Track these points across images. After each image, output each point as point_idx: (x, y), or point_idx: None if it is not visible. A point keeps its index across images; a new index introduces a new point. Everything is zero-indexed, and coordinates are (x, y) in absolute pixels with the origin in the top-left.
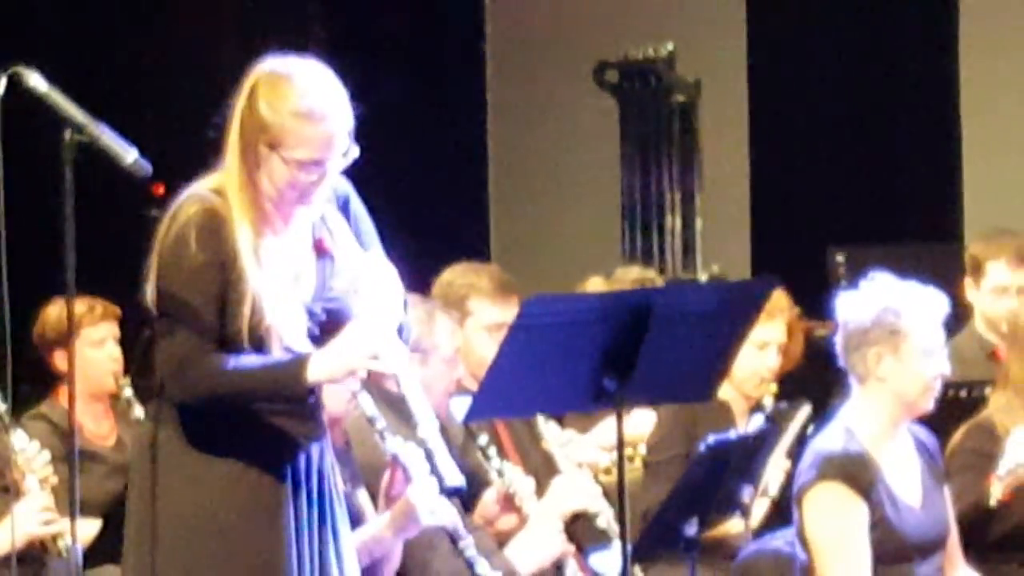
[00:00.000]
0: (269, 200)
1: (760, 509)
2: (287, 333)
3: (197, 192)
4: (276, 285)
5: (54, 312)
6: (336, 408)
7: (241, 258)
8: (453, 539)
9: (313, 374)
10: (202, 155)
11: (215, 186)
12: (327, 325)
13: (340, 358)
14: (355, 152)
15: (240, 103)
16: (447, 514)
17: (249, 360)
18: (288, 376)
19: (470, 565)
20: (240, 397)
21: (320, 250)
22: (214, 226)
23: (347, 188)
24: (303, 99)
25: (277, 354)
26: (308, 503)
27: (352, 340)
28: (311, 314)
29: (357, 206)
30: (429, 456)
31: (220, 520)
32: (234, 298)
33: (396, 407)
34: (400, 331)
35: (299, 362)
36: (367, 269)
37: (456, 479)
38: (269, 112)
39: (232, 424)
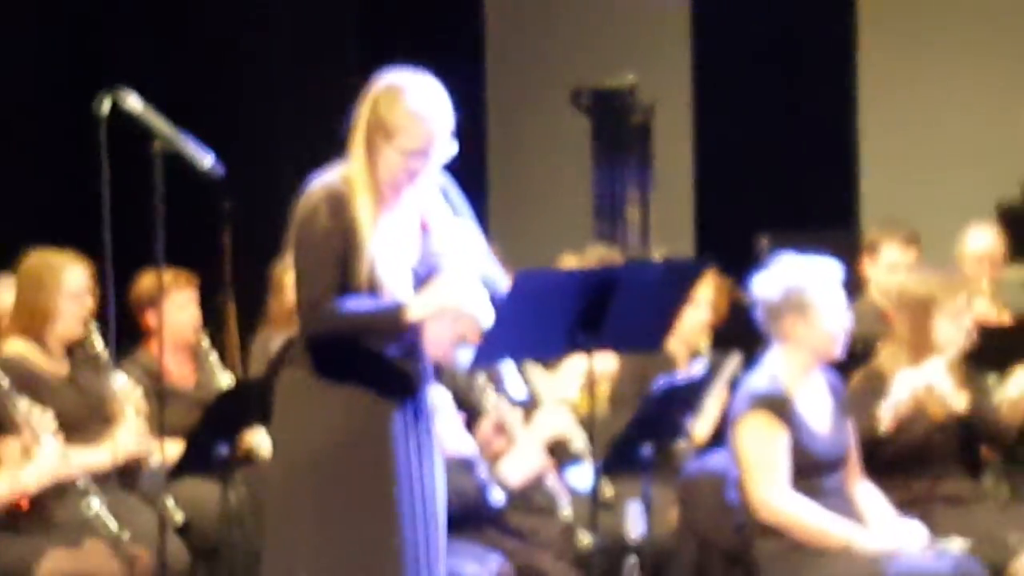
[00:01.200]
0: (385, 184)
1: (701, 434)
2: (395, 287)
3: (324, 179)
4: (388, 250)
5: (147, 280)
6: (447, 356)
7: (361, 228)
8: (467, 464)
9: (412, 313)
10: (266, 162)
11: (341, 174)
12: (427, 283)
13: (431, 300)
14: (455, 148)
15: (364, 108)
16: (466, 445)
17: (363, 302)
18: (391, 314)
19: (481, 486)
20: (355, 330)
21: (424, 227)
22: (339, 203)
23: (446, 181)
24: (414, 103)
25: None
26: (414, 431)
27: (440, 287)
28: (415, 274)
29: (454, 194)
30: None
31: (339, 439)
32: (354, 258)
33: None
34: (485, 285)
35: (401, 304)
36: (457, 236)
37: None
38: (387, 113)
39: (351, 362)
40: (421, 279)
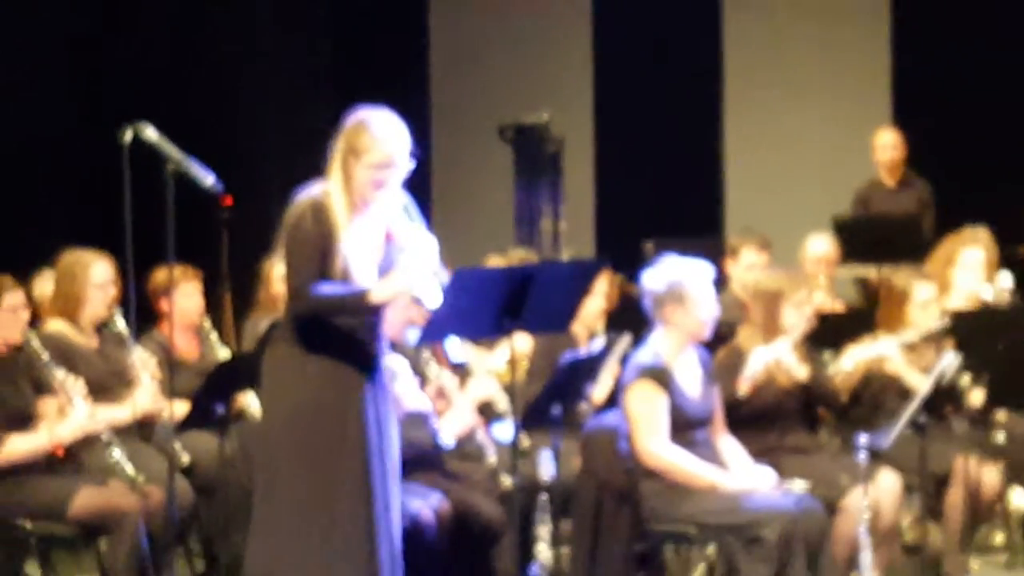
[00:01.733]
0: (356, 196)
1: (598, 398)
2: (362, 278)
3: (308, 192)
4: (357, 249)
5: (160, 274)
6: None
7: (337, 231)
8: (423, 417)
9: (374, 296)
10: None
11: (322, 189)
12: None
13: (389, 286)
14: (411, 165)
15: (339, 138)
16: (421, 401)
17: (336, 287)
18: (358, 296)
19: (433, 432)
20: (331, 310)
21: (388, 237)
22: (320, 211)
23: (407, 200)
24: (376, 130)
25: None
26: (374, 393)
27: (396, 276)
28: (380, 269)
29: (413, 210)
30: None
31: (318, 401)
32: (331, 255)
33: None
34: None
35: (366, 289)
36: (413, 237)
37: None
38: (356, 139)
39: (327, 339)
40: (383, 273)
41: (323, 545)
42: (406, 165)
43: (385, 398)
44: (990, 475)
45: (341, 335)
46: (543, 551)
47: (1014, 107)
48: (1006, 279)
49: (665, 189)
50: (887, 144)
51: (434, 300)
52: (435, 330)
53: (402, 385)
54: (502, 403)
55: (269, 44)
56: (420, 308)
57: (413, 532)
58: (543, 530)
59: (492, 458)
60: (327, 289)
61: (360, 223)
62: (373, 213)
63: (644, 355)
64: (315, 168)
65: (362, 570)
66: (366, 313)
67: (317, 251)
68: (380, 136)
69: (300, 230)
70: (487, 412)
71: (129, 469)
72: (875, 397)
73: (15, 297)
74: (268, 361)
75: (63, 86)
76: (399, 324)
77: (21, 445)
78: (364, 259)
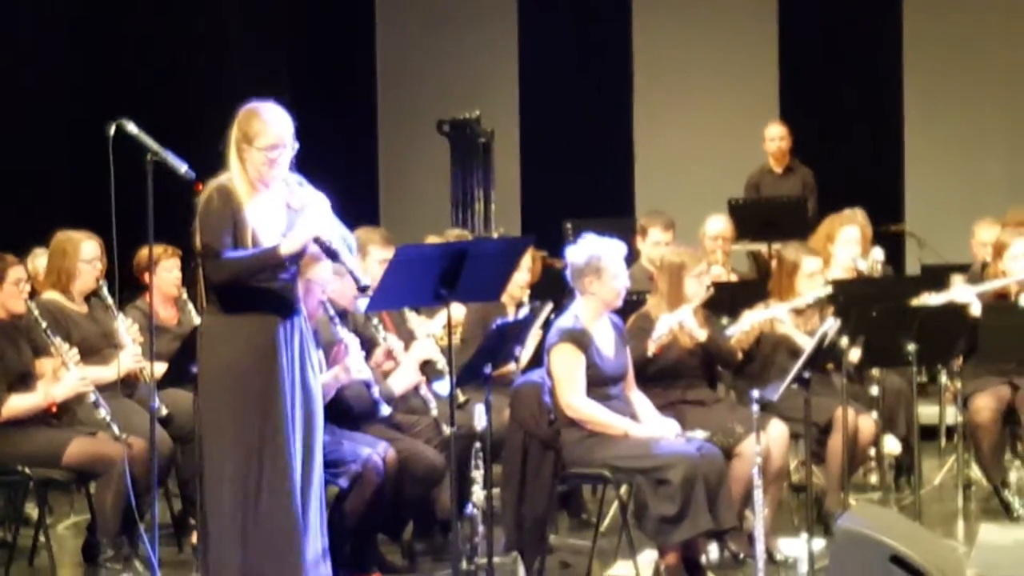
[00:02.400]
0: (253, 176)
1: (524, 358)
2: (269, 243)
3: (215, 181)
4: (261, 219)
5: (144, 252)
6: (312, 310)
7: (242, 209)
8: (367, 385)
9: (283, 249)
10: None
11: (224, 176)
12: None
13: (295, 236)
14: (295, 146)
15: (231, 130)
16: (364, 372)
17: (248, 251)
18: (270, 253)
19: (374, 402)
20: (248, 270)
21: (289, 207)
22: (225, 194)
23: (299, 177)
24: (264, 116)
25: None
26: (293, 355)
27: (299, 227)
28: (283, 235)
29: (304, 183)
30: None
31: (243, 361)
32: (239, 229)
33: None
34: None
35: (275, 245)
36: (309, 198)
37: (366, 281)
38: (247, 126)
39: (247, 305)
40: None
41: (253, 489)
42: (292, 146)
43: (304, 350)
44: (865, 424)
45: (259, 293)
46: (477, 492)
47: (883, 104)
48: (878, 253)
49: (582, 176)
50: (775, 136)
51: (330, 236)
52: (381, 300)
53: (351, 357)
54: (441, 363)
55: (235, 53)
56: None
57: (365, 475)
58: (477, 474)
59: (433, 411)
60: (240, 253)
61: (261, 199)
62: (272, 190)
63: (565, 320)
64: None
65: (287, 512)
66: (279, 267)
67: (226, 225)
68: (269, 121)
69: (209, 210)
70: (428, 371)
71: (115, 428)
72: (766, 356)
73: (18, 272)
74: (201, 328)
75: (56, 87)
76: (351, 295)
77: (20, 403)
78: (269, 229)
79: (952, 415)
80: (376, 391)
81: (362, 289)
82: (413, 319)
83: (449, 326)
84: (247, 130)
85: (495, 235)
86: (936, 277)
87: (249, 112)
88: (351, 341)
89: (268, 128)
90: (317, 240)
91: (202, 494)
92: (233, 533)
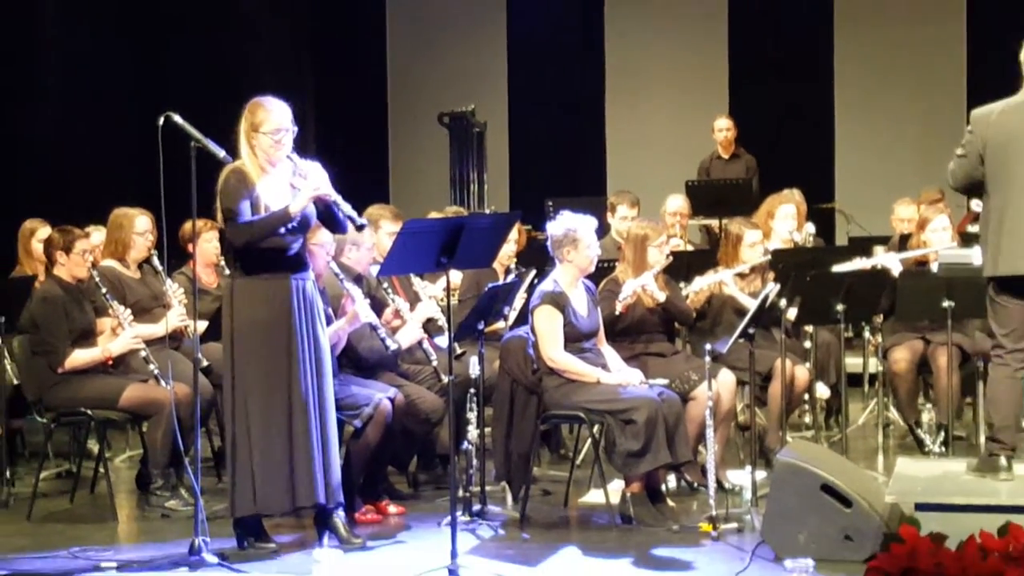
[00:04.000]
0: (263, 157)
1: (512, 316)
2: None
3: (232, 164)
4: (270, 194)
5: (188, 225)
6: (320, 270)
7: (253, 185)
8: (373, 327)
9: (293, 207)
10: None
11: (239, 160)
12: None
13: (300, 196)
14: (295, 129)
15: (241, 122)
16: (370, 316)
17: (263, 215)
18: (282, 212)
19: (382, 340)
20: (265, 229)
21: (292, 186)
22: (240, 174)
23: (297, 156)
24: (267, 106)
25: None
26: (304, 311)
27: (304, 189)
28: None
29: (302, 160)
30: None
31: (261, 317)
32: (254, 203)
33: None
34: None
35: (286, 207)
36: (309, 167)
37: (361, 220)
38: (253, 116)
39: (263, 268)
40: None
41: (273, 435)
42: (292, 129)
43: (313, 312)
44: (800, 373)
45: (274, 263)
46: (472, 431)
47: (817, 100)
48: (811, 227)
49: (562, 161)
50: (723, 127)
51: (329, 192)
52: (391, 266)
53: (357, 304)
54: (441, 320)
55: (266, 56)
56: (379, 251)
57: (376, 417)
58: (471, 415)
59: (434, 361)
60: (257, 217)
61: (270, 179)
62: (278, 169)
63: (546, 285)
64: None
65: (302, 446)
66: (289, 224)
67: (242, 198)
68: (271, 109)
69: (227, 187)
70: (430, 327)
71: (161, 380)
72: (716, 314)
73: (84, 244)
74: (224, 288)
75: (112, 88)
76: (366, 262)
77: (82, 356)
78: (277, 200)
79: (874, 365)
80: (383, 331)
81: (359, 228)
82: (417, 283)
83: (448, 289)
84: (253, 119)
85: (487, 211)
86: (861, 248)
87: (254, 104)
88: (355, 292)
89: (271, 115)
90: (319, 198)
91: (230, 431)
92: (251, 464)
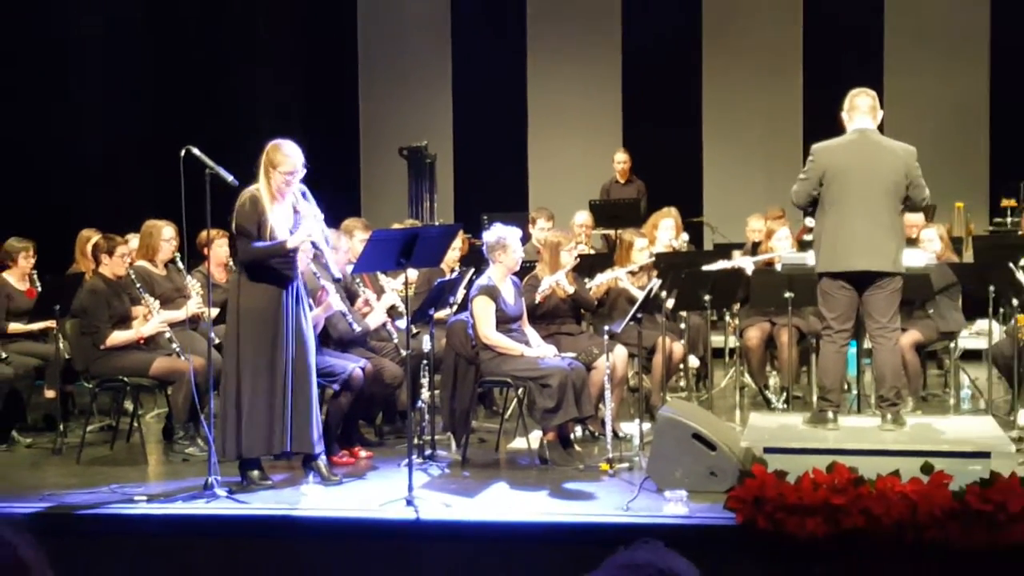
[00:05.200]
0: (274, 190)
1: (455, 304)
2: (281, 237)
3: (247, 189)
4: (278, 221)
5: (203, 234)
6: (303, 269)
7: (266, 213)
8: (343, 314)
9: (289, 243)
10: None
11: (255, 187)
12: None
13: (297, 236)
14: (304, 170)
15: (262, 157)
16: (340, 305)
17: (266, 243)
18: (279, 245)
19: (350, 324)
20: (264, 256)
21: (296, 211)
22: (255, 200)
23: (305, 189)
24: (284, 150)
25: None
26: (293, 301)
27: (300, 230)
28: (292, 231)
29: (308, 194)
30: (341, 279)
31: (260, 308)
32: (262, 226)
33: (319, 266)
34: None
35: (283, 240)
36: (309, 211)
37: (337, 274)
38: (273, 156)
39: (264, 272)
40: (293, 232)
41: (260, 396)
42: (302, 171)
43: (300, 306)
44: (677, 347)
45: (271, 269)
46: (424, 393)
47: (688, 139)
48: (685, 236)
49: (494, 184)
50: (620, 159)
51: (320, 240)
52: (362, 265)
53: (331, 296)
54: (401, 308)
55: (261, 99)
56: (352, 255)
57: (350, 381)
58: (424, 381)
59: (395, 339)
60: (260, 244)
61: (278, 207)
62: (286, 199)
63: (482, 280)
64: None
65: (280, 405)
66: (285, 255)
67: (254, 223)
68: (289, 154)
69: (243, 210)
70: (392, 313)
71: (182, 355)
72: (612, 303)
73: (123, 248)
74: (228, 284)
75: (142, 120)
76: (342, 263)
77: (120, 336)
78: (282, 226)
79: (732, 341)
80: (350, 317)
81: (335, 280)
82: (383, 279)
83: (406, 284)
84: (273, 159)
85: (437, 224)
86: (723, 252)
87: (274, 146)
88: (329, 286)
89: (288, 159)
90: (311, 241)
91: (223, 391)
92: (236, 412)
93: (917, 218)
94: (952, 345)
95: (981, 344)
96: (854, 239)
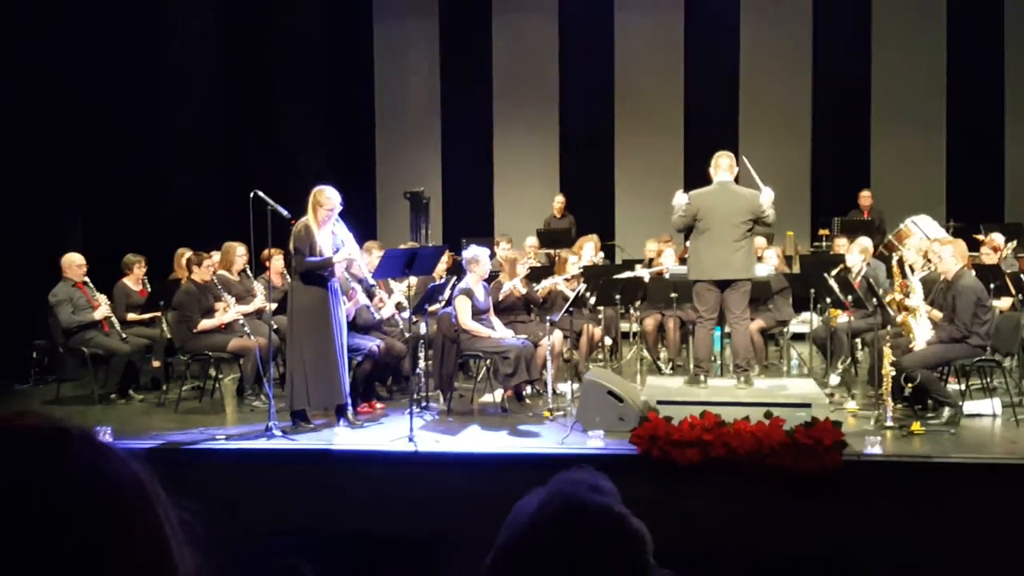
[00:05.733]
0: (321, 221)
1: (444, 301)
2: (327, 254)
3: (302, 220)
4: (324, 242)
5: (265, 251)
6: (339, 276)
7: (314, 237)
8: (367, 307)
9: (335, 259)
10: (300, 211)
11: (306, 218)
12: (337, 253)
13: (340, 255)
14: (341, 207)
15: (311, 197)
16: (365, 300)
17: (316, 258)
18: (326, 261)
19: (372, 314)
20: (315, 268)
21: (334, 234)
22: (308, 228)
23: (340, 222)
24: (327, 193)
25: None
26: (332, 299)
27: (342, 251)
28: (334, 250)
29: (343, 226)
30: (365, 281)
31: (313, 306)
32: (312, 247)
33: (350, 273)
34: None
35: (329, 257)
36: (345, 237)
37: (371, 281)
38: (319, 197)
39: (314, 278)
40: (335, 251)
41: (320, 364)
42: (339, 207)
43: (338, 301)
44: (597, 331)
45: (319, 276)
46: (421, 363)
47: (604, 181)
48: (602, 254)
49: (469, 217)
50: (558, 200)
51: (363, 266)
52: (379, 273)
53: (359, 295)
54: (405, 303)
55: (301, 155)
56: (371, 266)
57: (369, 355)
58: (422, 354)
59: (401, 326)
60: (313, 258)
61: (322, 232)
62: (327, 227)
63: (462, 285)
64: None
65: (333, 368)
66: (330, 267)
67: (307, 244)
68: (330, 197)
69: (299, 236)
70: (399, 307)
71: (252, 337)
72: (553, 301)
73: (208, 261)
74: (288, 288)
75: (227, 168)
76: (366, 271)
77: (207, 323)
78: (327, 246)
79: (636, 327)
80: (372, 309)
81: (361, 282)
82: (393, 283)
83: (409, 286)
84: (319, 199)
85: (430, 245)
86: (629, 266)
87: (320, 190)
88: (356, 287)
89: (330, 200)
90: (349, 260)
91: (290, 361)
92: (304, 377)
93: (762, 242)
94: (785, 330)
95: (805, 329)
96: (717, 257)
